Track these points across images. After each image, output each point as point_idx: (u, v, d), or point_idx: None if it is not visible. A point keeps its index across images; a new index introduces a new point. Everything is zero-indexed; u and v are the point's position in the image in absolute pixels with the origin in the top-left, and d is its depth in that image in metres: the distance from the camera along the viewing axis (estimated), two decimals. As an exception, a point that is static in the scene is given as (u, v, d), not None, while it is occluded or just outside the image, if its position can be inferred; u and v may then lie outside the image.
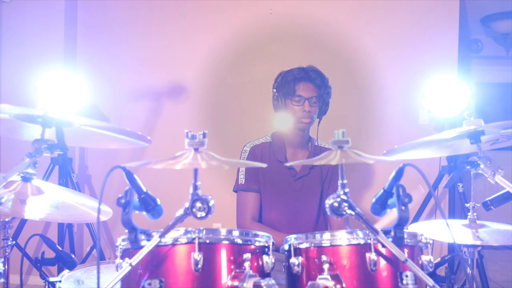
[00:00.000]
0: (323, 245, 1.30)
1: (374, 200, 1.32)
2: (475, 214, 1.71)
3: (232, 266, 1.24)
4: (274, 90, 2.23)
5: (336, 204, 1.21)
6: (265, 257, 1.31)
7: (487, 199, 1.71)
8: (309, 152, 2.28)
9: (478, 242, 1.61)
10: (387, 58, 3.54)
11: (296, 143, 2.26)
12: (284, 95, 2.19)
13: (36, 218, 1.54)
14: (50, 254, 1.61)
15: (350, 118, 3.50)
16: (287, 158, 2.24)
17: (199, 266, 1.19)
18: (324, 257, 1.26)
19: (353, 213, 1.21)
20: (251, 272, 1.23)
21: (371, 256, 1.24)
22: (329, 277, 1.21)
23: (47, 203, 1.57)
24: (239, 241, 1.27)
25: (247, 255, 1.26)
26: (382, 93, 3.54)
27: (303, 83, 2.18)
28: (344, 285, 1.22)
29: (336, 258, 1.27)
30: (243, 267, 1.24)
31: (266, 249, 1.34)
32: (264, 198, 2.22)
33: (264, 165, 1.33)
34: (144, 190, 1.26)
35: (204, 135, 1.21)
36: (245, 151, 2.26)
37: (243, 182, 2.21)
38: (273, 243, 1.35)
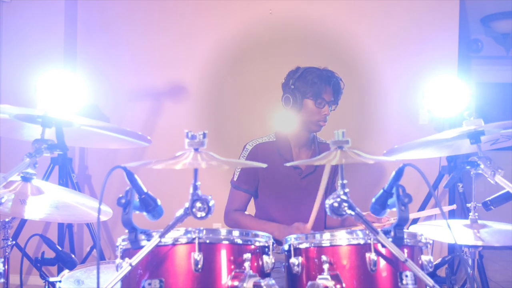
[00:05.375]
0: (323, 245, 1.30)
1: (374, 200, 1.31)
2: (476, 214, 1.71)
3: (232, 266, 1.24)
4: (292, 86, 2.16)
5: (336, 204, 1.21)
6: (265, 257, 1.31)
7: (487, 199, 1.71)
8: (312, 150, 2.27)
9: (479, 243, 1.60)
10: (387, 58, 3.54)
11: (302, 143, 2.25)
12: (304, 94, 2.13)
13: (36, 218, 1.54)
14: (50, 254, 1.60)
15: (350, 118, 3.50)
16: (293, 157, 2.23)
17: (199, 266, 1.19)
18: (324, 257, 1.26)
19: (353, 213, 1.21)
20: (251, 272, 1.23)
21: (371, 256, 1.24)
22: (329, 277, 1.21)
23: (47, 203, 1.57)
24: (239, 241, 1.27)
25: (247, 255, 1.26)
26: (382, 93, 3.54)
27: (328, 87, 2.14)
28: (344, 285, 1.22)
29: (336, 258, 1.27)
30: (243, 267, 1.24)
31: (266, 249, 1.34)
32: (270, 197, 2.21)
33: (264, 165, 1.33)
34: (145, 190, 1.26)
35: (204, 135, 1.21)
36: (246, 149, 2.23)
37: (235, 179, 2.22)
38: (273, 243, 1.35)
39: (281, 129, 2.27)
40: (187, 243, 1.21)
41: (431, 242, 1.37)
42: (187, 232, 1.21)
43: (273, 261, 1.31)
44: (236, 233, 1.27)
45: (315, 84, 2.13)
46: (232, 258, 1.24)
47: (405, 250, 1.30)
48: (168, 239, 1.21)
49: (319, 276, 1.22)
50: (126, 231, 1.23)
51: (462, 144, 1.74)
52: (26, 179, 1.56)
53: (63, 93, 2.90)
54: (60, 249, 1.60)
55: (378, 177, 3.47)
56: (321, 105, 2.14)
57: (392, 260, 1.25)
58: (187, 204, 1.18)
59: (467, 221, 1.71)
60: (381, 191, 1.30)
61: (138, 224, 1.23)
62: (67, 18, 3.61)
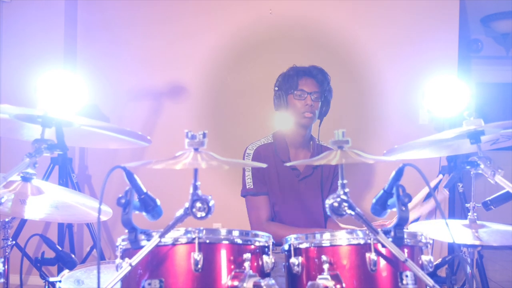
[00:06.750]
0: (323, 245, 1.30)
1: (374, 200, 1.31)
2: (475, 214, 1.71)
3: (232, 266, 1.24)
4: (276, 88, 2.22)
5: (336, 204, 1.21)
6: (265, 257, 1.31)
7: (487, 199, 1.71)
8: (311, 153, 2.27)
9: (477, 242, 1.61)
10: (387, 58, 3.54)
11: (298, 143, 2.25)
12: (286, 91, 2.19)
13: (36, 218, 1.54)
14: (50, 254, 1.60)
15: (350, 118, 3.50)
16: (290, 158, 2.22)
17: (199, 266, 1.19)
18: (324, 257, 1.26)
19: (353, 213, 1.21)
20: (251, 272, 1.23)
21: (371, 256, 1.24)
22: (329, 277, 1.21)
23: (47, 203, 1.57)
24: (239, 241, 1.27)
25: (247, 255, 1.26)
26: (382, 93, 3.54)
27: (305, 78, 2.18)
28: (344, 285, 1.22)
29: (336, 258, 1.27)
30: (243, 267, 1.24)
31: (266, 249, 1.34)
32: (270, 198, 2.20)
33: (264, 165, 1.34)
34: (144, 190, 1.26)
35: (204, 135, 1.21)
36: (248, 154, 2.21)
37: (251, 187, 2.17)
38: (273, 243, 1.35)
39: (280, 129, 2.28)
40: (187, 243, 1.21)
41: (431, 242, 1.37)
42: (187, 232, 1.21)
43: (273, 261, 1.31)
44: (236, 233, 1.27)
45: (291, 77, 2.19)
46: (232, 258, 1.24)
47: (405, 250, 1.30)
48: (168, 239, 1.21)
49: (319, 276, 1.22)
50: (126, 231, 1.23)
51: (462, 144, 1.74)
52: (26, 179, 1.56)
53: (63, 93, 2.90)
54: (60, 249, 1.60)
55: (371, 177, 3.47)
56: (302, 96, 2.16)
57: (392, 260, 1.25)
58: (187, 204, 1.18)
59: (466, 221, 1.71)
60: (381, 191, 1.30)
61: (138, 224, 1.23)
62: (67, 18, 3.61)
